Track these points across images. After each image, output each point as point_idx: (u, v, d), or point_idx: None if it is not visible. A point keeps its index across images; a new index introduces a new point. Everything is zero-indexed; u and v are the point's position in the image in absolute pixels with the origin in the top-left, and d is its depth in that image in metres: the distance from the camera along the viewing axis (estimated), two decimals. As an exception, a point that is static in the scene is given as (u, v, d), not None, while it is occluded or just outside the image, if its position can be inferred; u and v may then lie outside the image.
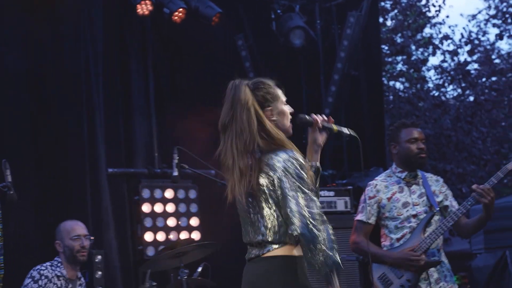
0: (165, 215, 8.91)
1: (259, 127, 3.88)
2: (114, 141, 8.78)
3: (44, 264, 6.37)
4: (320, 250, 3.69)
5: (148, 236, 8.76)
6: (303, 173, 3.76)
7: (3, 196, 4.99)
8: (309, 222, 3.68)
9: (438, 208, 5.69)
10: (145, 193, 8.84)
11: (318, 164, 4.08)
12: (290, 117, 4.06)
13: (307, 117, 4.13)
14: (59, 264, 6.38)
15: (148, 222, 8.79)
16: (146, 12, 8.87)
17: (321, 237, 3.70)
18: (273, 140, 3.86)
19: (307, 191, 3.74)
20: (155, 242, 8.76)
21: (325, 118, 4.12)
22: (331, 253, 3.72)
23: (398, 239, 5.64)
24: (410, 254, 5.50)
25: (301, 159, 3.83)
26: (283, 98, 4.09)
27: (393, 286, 5.56)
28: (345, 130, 4.10)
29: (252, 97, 3.97)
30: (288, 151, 3.83)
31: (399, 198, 5.70)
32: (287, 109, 4.07)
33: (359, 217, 5.77)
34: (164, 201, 8.94)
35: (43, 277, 6.24)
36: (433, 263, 5.57)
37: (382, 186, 5.76)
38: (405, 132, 5.78)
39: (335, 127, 4.10)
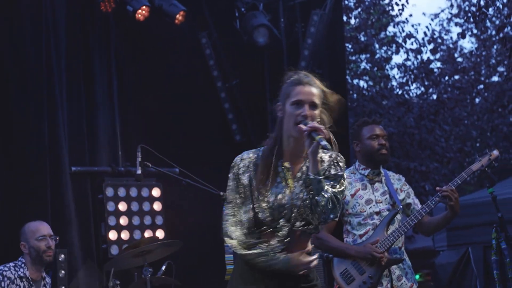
0: (129, 213, 8.88)
1: None
2: (77, 139, 8.72)
3: (7, 265, 6.31)
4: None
5: (112, 235, 8.72)
6: (229, 179, 3.95)
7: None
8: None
9: (401, 206, 5.73)
10: (109, 191, 8.80)
11: (310, 173, 3.83)
12: (297, 119, 3.91)
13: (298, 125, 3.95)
14: (22, 265, 6.33)
15: (112, 221, 8.74)
16: (109, 9, 8.83)
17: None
18: None
19: (227, 200, 3.95)
20: (119, 241, 8.72)
21: (317, 127, 3.85)
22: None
23: (361, 236, 5.67)
24: (373, 249, 5.52)
25: (237, 163, 3.96)
26: (293, 98, 3.96)
27: (355, 282, 5.58)
28: (322, 143, 3.81)
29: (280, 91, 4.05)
30: (247, 152, 3.99)
31: (362, 195, 5.73)
32: (293, 109, 3.94)
33: (322, 213, 5.77)
34: (128, 199, 8.90)
35: (5, 278, 6.20)
36: (395, 260, 5.61)
37: (346, 183, 5.77)
38: (366, 130, 5.85)
39: (317, 137, 3.81)
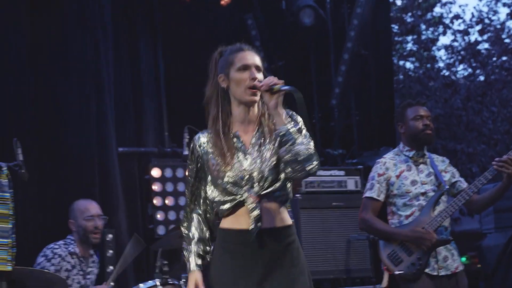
0: (176, 194, 8.93)
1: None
2: (124, 120, 8.79)
3: (58, 243, 6.38)
4: None
5: (159, 215, 8.79)
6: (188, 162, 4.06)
7: (14, 175, 5.00)
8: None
9: (447, 187, 5.70)
10: (156, 172, 8.86)
11: (279, 129, 3.77)
12: (248, 83, 3.88)
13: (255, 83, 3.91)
14: (72, 242, 6.39)
15: (158, 201, 8.81)
16: (156, -8, 8.87)
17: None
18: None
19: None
20: (166, 221, 8.78)
21: (273, 79, 3.81)
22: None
23: (407, 216, 5.64)
24: (422, 232, 5.50)
25: (193, 142, 4.02)
26: (238, 64, 3.93)
27: (403, 264, 5.57)
28: (284, 87, 3.78)
29: (215, 66, 4.04)
30: (198, 133, 4.06)
31: (407, 176, 5.70)
32: (241, 75, 3.91)
33: (368, 194, 5.76)
34: (175, 180, 8.95)
35: (56, 256, 6.26)
36: (443, 241, 5.58)
37: (391, 164, 5.76)
38: (410, 111, 5.82)
39: (277, 87, 3.78)
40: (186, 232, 4.05)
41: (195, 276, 3.95)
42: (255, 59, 3.98)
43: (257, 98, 3.92)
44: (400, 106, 6.00)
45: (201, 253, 3.99)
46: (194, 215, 4.05)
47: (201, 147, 3.98)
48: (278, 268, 3.86)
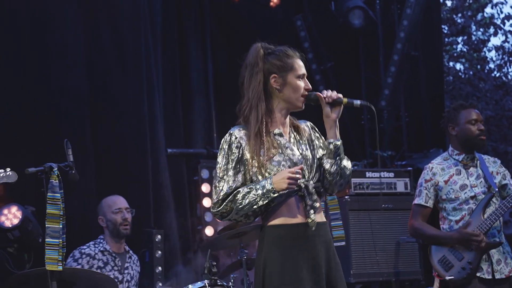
0: (224, 195, 8.92)
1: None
2: (173, 121, 8.83)
3: (87, 244, 6.46)
4: None
5: (207, 216, 8.80)
6: (219, 152, 3.98)
7: (64, 176, 5.04)
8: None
9: (497, 189, 5.63)
10: (204, 173, 8.88)
11: (335, 141, 4.01)
12: (302, 92, 4.02)
13: (312, 94, 4.07)
14: (101, 241, 6.47)
15: (207, 202, 8.83)
16: (205, -7, 8.91)
17: None
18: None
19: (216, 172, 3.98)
20: (214, 222, 8.80)
21: (333, 93, 4.05)
22: None
23: (457, 221, 5.60)
24: (469, 234, 5.44)
25: (230, 137, 3.97)
26: (299, 72, 4.04)
27: (454, 268, 5.52)
28: (357, 101, 4.05)
29: (262, 62, 4.06)
30: (233, 127, 4.03)
31: (456, 181, 5.65)
32: (299, 83, 4.03)
33: (417, 201, 5.76)
34: (223, 181, 8.95)
35: (83, 255, 6.32)
36: (494, 244, 5.51)
37: (439, 169, 5.72)
38: (464, 114, 5.74)
39: (345, 99, 4.04)
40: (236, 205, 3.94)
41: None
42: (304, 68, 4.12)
43: (303, 105, 4.07)
44: (452, 107, 5.91)
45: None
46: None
47: (242, 139, 3.97)
48: (332, 259, 3.98)
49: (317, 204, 3.95)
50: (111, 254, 6.43)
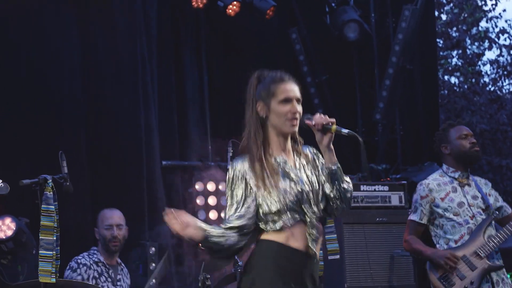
0: (219, 207, 8.94)
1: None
2: (168, 133, 8.83)
3: (81, 254, 6.47)
4: None
5: (202, 229, 8.78)
6: (227, 188, 3.98)
7: (59, 188, 5.04)
8: None
9: (494, 210, 5.66)
10: (199, 185, 8.88)
11: (331, 165, 3.95)
12: (288, 116, 3.95)
13: (304, 120, 4.00)
14: (95, 252, 6.47)
15: (201, 215, 8.83)
16: (201, 5, 8.92)
17: None
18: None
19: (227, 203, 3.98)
20: (208, 235, 8.77)
21: (323, 119, 3.94)
22: None
23: (456, 241, 5.58)
24: (450, 253, 5.46)
25: (234, 171, 3.95)
26: (280, 97, 3.97)
27: (456, 286, 5.48)
28: (344, 130, 3.94)
29: (254, 91, 4.04)
30: (235, 159, 4.01)
31: (453, 198, 5.65)
32: (283, 108, 3.96)
33: (412, 217, 5.77)
34: (218, 194, 8.96)
35: (81, 265, 6.33)
36: (496, 267, 5.53)
37: (435, 185, 5.72)
38: (453, 131, 5.78)
39: (334, 127, 3.91)
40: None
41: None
42: (296, 91, 4.03)
43: (296, 128, 4.00)
44: (441, 128, 5.96)
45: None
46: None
47: (244, 169, 3.96)
48: None
49: (315, 233, 3.92)
50: (105, 266, 6.44)
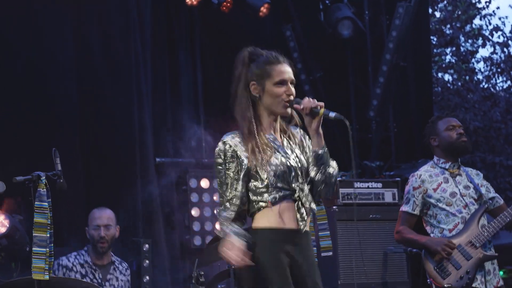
0: (212, 204, 8.94)
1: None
2: (162, 130, 8.83)
3: (68, 254, 6.45)
4: None
5: (196, 226, 8.80)
6: (215, 162, 3.98)
7: (52, 185, 5.03)
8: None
9: (488, 199, 5.68)
10: (193, 183, 8.88)
11: (318, 149, 3.97)
12: (282, 98, 3.98)
13: (293, 104, 4.01)
14: (84, 253, 6.45)
15: (195, 212, 8.83)
16: (195, 2, 8.91)
17: None
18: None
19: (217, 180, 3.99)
20: (202, 232, 8.80)
21: (311, 102, 3.95)
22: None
23: (450, 230, 5.60)
24: (447, 243, 5.48)
25: (224, 145, 3.96)
26: (276, 78, 3.99)
27: (452, 277, 5.51)
28: (331, 114, 3.95)
29: (246, 68, 4.05)
30: (225, 134, 4.03)
31: (445, 189, 5.68)
32: (278, 90, 3.98)
33: (404, 208, 5.78)
34: (212, 191, 8.96)
35: (60, 267, 6.32)
36: (491, 256, 5.56)
37: (427, 176, 5.74)
38: (442, 122, 5.82)
39: (322, 110, 3.93)
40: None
41: (239, 243, 3.87)
42: (290, 73, 4.06)
43: (289, 111, 4.03)
44: (429, 121, 5.98)
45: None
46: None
47: (236, 147, 3.96)
48: (316, 269, 4.02)
49: (313, 205, 4.01)
50: (91, 267, 6.41)
